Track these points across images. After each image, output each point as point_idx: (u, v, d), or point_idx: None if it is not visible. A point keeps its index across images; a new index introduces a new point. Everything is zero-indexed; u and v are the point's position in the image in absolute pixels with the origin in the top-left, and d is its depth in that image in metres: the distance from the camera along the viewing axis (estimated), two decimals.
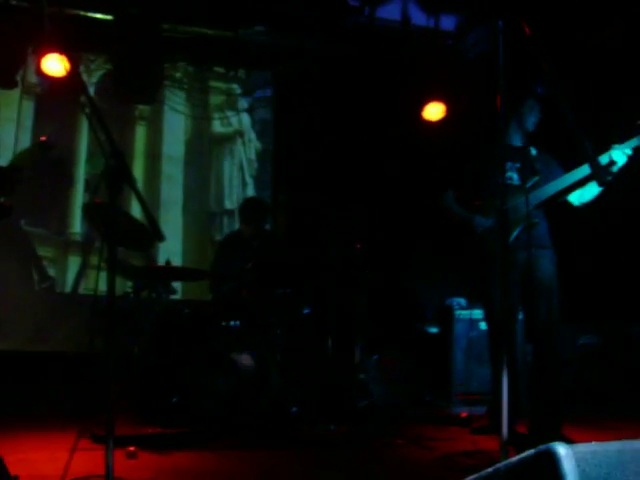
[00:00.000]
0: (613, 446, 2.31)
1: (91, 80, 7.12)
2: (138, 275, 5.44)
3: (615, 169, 4.10)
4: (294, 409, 4.92)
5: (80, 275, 7.02)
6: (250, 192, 7.58)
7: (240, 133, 7.68)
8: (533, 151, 4.51)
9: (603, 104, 6.46)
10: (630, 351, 6.02)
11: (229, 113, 7.59)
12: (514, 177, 4.44)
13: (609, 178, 3.98)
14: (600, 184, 3.88)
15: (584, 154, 2.50)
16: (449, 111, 6.76)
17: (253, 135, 7.73)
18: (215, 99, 7.59)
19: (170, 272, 5.42)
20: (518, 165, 4.41)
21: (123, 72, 6.77)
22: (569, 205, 4.53)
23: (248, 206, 6.14)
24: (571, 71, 6.17)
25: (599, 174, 2.60)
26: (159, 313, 5.42)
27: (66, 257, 7.07)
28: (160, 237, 2.86)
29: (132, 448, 3.94)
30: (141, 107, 7.38)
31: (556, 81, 2.60)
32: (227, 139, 7.65)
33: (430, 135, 6.91)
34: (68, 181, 7.14)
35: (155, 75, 6.96)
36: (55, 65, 5.75)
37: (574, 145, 2.73)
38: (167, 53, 6.97)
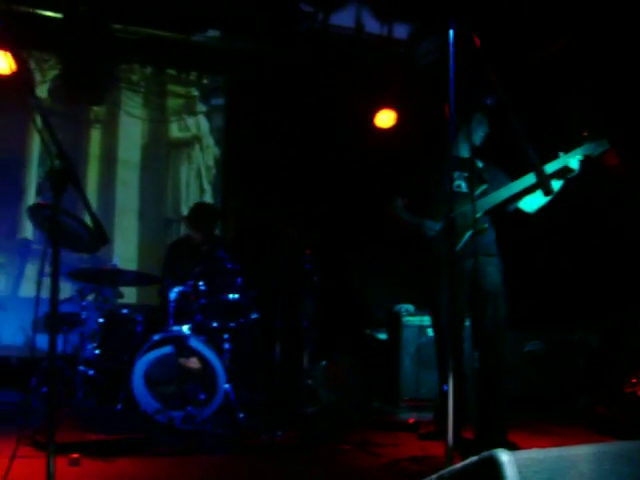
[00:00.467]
0: (554, 452, 2.35)
1: (45, 80, 6.97)
2: (85, 278, 5.36)
3: (570, 176, 4.21)
4: (241, 415, 4.90)
5: (26, 279, 6.89)
6: (208, 199, 7.49)
7: (198, 138, 7.61)
8: (479, 164, 4.57)
9: (549, 116, 6.60)
10: (574, 357, 6.13)
11: (187, 117, 7.52)
12: (462, 185, 4.49)
13: (554, 187, 4.06)
14: (545, 193, 3.96)
15: (530, 163, 2.54)
16: (400, 119, 6.82)
17: (211, 141, 7.65)
18: (173, 103, 7.50)
19: (118, 276, 5.36)
20: (466, 174, 4.46)
21: (73, 72, 6.65)
22: (521, 213, 4.59)
23: (197, 212, 6.10)
24: (519, 83, 6.30)
25: (544, 183, 2.64)
26: (107, 317, 5.36)
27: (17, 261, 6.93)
28: (104, 240, 2.82)
29: (75, 455, 3.87)
30: (96, 109, 7.23)
31: (503, 92, 2.64)
32: (185, 144, 7.57)
33: (381, 142, 6.96)
34: (17, 185, 6.99)
35: (107, 76, 6.86)
36: (1, 63, 5.61)
37: (521, 157, 2.78)
38: (120, 54, 6.88)
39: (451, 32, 2.73)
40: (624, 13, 5.91)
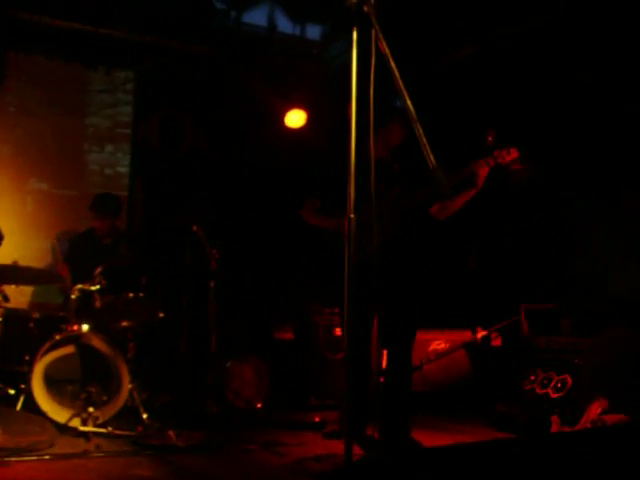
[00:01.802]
0: (454, 448, 2.42)
1: None
2: None
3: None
4: (145, 415, 4.83)
5: None
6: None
7: (106, 133, 7.40)
8: (395, 164, 4.63)
9: (455, 122, 6.76)
10: (476, 355, 6.29)
11: (95, 111, 7.31)
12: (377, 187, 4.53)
13: (451, 192, 4.16)
14: (444, 196, 4.05)
15: (430, 169, 2.60)
16: (311, 119, 6.85)
17: (120, 136, 7.46)
18: (81, 96, 7.27)
19: (19, 274, 5.18)
20: (381, 176, 4.51)
21: None
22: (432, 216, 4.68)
23: (100, 201, 6.01)
24: (425, 90, 6.43)
25: (440, 188, 2.72)
26: (6, 317, 5.19)
27: None
28: None
29: None
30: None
31: (407, 98, 2.68)
32: (94, 138, 7.35)
33: (292, 142, 6.98)
34: None
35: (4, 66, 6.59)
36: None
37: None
38: (25, 44, 6.64)
39: (355, 35, 2.76)
40: (528, 22, 6.11)
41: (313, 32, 7.42)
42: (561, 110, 6.18)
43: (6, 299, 5.15)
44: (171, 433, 4.52)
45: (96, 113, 7.32)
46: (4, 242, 5.39)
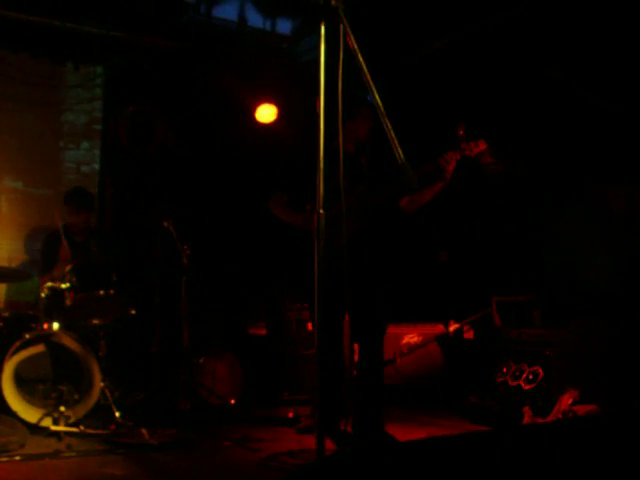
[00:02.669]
0: (428, 442, 2.43)
1: None
2: None
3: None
4: (117, 413, 4.80)
5: None
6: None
7: (75, 129, 7.31)
8: (362, 158, 4.64)
9: (426, 116, 6.79)
10: (449, 348, 6.33)
11: (64, 107, 7.20)
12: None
13: (418, 185, 4.17)
14: (411, 190, 4.06)
15: (398, 164, 2.60)
16: (281, 114, 6.84)
17: (89, 132, 7.36)
18: (48, 92, 7.15)
19: None
20: (347, 170, 4.50)
21: None
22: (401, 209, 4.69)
23: (76, 194, 6.00)
24: (397, 83, 6.45)
25: (408, 182, 2.72)
26: None
27: None
28: None
29: None
30: None
31: (375, 92, 2.68)
32: (63, 134, 7.25)
33: (262, 136, 6.96)
34: None
35: None
36: None
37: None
38: None
39: (323, 29, 2.76)
40: (498, 16, 6.14)
41: (284, 27, 7.38)
42: (532, 104, 6.22)
43: None
44: (144, 431, 4.50)
45: (71, 109, 7.21)
46: None
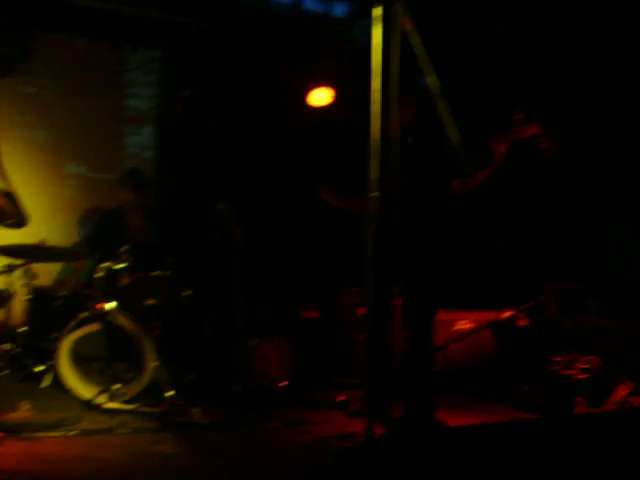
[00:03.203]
0: (476, 428, 2.41)
1: None
2: (12, 254, 5.20)
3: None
4: (170, 392, 4.87)
5: None
6: None
7: (132, 113, 7.40)
8: (409, 141, 4.59)
9: (485, 99, 6.68)
10: (502, 335, 6.26)
11: (121, 92, 7.29)
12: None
13: (471, 168, 4.12)
14: (463, 173, 4.02)
15: (451, 146, 2.58)
16: (336, 97, 6.81)
17: (146, 115, 7.44)
18: (105, 77, 7.23)
19: (47, 252, 5.23)
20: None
21: None
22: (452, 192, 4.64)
23: (127, 173, 6.13)
24: (455, 66, 6.35)
25: (460, 164, 2.68)
26: (34, 294, 5.26)
27: None
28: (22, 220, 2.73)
29: None
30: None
31: (430, 75, 2.65)
32: (122, 119, 7.34)
33: (317, 120, 6.94)
34: None
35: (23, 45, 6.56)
36: None
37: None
38: (44, 22, 6.63)
39: (378, 12, 2.73)
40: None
41: (339, 9, 7.34)
42: (593, 90, 6.08)
43: (34, 277, 5.22)
44: (196, 411, 4.56)
45: (134, 94, 7.32)
46: (36, 225, 5.39)
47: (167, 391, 4.84)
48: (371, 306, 4.55)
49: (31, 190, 5.79)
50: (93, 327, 4.97)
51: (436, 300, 4.61)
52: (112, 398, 4.61)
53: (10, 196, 2.60)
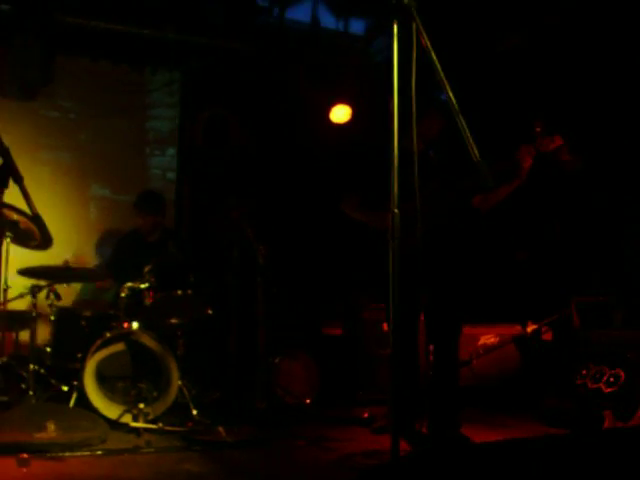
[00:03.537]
0: (502, 443, 2.39)
1: None
2: (36, 275, 5.25)
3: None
4: (194, 411, 4.88)
5: None
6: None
7: (152, 134, 7.45)
8: (432, 156, 4.59)
9: (506, 109, 6.67)
10: (526, 350, 6.21)
11: (141, 112, 7.35)
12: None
13: (493, 184, 4.09)
14: (486, 189, 4.00)
15: (472, 159, 2.56)
16: (355, 114, 6.83)
17: (167, 135, 7.49)
18: (125, 98, 7.29)
19: (70, 273, 5.27)
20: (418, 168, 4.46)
21: (22, 66, 6.46)
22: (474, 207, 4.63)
23: (142, 198, 6.13)
24: (472, 79, 6.36)
25: (483, 180, 2.67)
26: (58, 315, 5.29)
27: None
28: (47, 241, 2.77)
29: (25, 455, 3.82)
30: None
31: (449, 90, 2.65)
32: (142, 140, 7.40)
33: (336, 137, 6.96)
34: None
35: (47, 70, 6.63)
36: None
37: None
38: (70, 48, 6.73)
39: (395, 29, 2.74)
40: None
41: (357, 27, 7.38)
42: (614, 101, 6.06)
43: (58, 298, 5.26)
44: (221, 429, 4.56)
45: (156, 116, 7.38)
46: (60, 246, 5.45)
47: (192, 410, 4.85)
48: (395, 322, 4.56)
49: (55, 212, 5.88)
50: (118, 347, 5.01)
51: (461, 315, 4.59)
52: (137, 417, 4.61)
53: (35, 219, 2.63)
